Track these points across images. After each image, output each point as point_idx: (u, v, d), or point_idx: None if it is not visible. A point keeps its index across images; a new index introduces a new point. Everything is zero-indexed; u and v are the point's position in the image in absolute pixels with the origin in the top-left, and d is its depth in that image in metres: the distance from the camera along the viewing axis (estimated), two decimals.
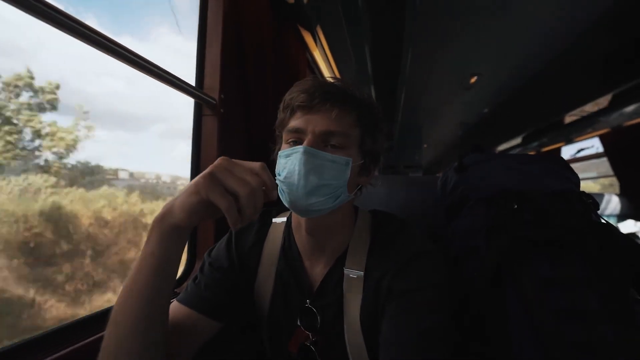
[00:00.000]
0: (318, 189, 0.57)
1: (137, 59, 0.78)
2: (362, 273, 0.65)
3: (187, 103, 1.08)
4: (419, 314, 0.57)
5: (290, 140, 0.62)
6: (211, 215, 0.49)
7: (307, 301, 0.69)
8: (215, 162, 0.47)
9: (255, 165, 0.49)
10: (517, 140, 5.62)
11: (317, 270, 0.71)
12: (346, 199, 0.62)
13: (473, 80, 2.90)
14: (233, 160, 0.48)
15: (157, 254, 0.47)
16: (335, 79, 0.67)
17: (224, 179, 0.45)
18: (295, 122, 0.61)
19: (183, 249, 0.52)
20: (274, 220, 0.77)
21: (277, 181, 0.60)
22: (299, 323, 0.69)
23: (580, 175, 0.83)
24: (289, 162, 0.59)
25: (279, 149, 0.65)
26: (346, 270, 0.66)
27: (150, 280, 0.48)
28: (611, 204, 3.49)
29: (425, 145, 7.17)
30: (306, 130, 0.60)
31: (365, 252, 0.67)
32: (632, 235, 3.11)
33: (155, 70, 0.84)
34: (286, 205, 0.60)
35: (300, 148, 0.57)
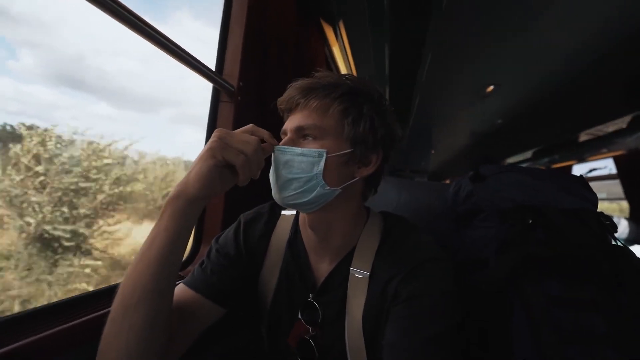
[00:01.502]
0: (288, 183, 0.60)
1: (161, 38, 0.77)
2: (367, 274, 0.65)
3: (201, 89, 1.07)
4: (425, 320, 0.56)
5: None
6: (224, 183, 0.54)
7: (310, 295, 0.69)
8: (216, 133, 0.53)
9: (247, 127, 0.58)
10: (527, 155, 5.55)
11: (323, 266, 0.71)
12: (330, 192, 0.61)
13: (489, 89, 2.86)
14: (228, 130, 0.54)
15: (171, 229, 0.50)
16: (331, 74, 0.67)
17: (230, 142, 0.52)
18: (283, 127, 0.66)
19: (195, 222, 0.55)
20: (283, 212, 0.77)
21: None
22: (300, 316, 0.69)
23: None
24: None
25: None
26: (352, 270, 0.66)
27: (161, 254, 0.50)
28: (620, 228, 3.44)
29: (433, 151, 7.12)
30: (287, 130, 0.64)
31: (373, 253, 0.67)
32: None
33: (178, 51, 0.83)
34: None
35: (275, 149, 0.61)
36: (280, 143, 0.62)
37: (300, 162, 0.59)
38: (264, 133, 0.58)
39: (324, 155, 0.60)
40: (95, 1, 0.61)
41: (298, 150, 0.60)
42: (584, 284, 0.63)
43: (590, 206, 0.77)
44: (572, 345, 0.58)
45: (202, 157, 0.51)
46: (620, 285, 0.62)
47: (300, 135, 0.62)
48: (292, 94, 0.63)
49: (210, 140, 0.52)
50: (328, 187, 0.60)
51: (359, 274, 0.65)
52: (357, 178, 0.65)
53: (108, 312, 0.50)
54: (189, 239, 0.54)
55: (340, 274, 0.68)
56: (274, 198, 0.63)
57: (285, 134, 0.64)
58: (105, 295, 0.74)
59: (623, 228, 3.44)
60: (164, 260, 0.50)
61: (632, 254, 0.66)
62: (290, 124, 0.63)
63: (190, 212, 0.52)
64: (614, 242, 0.71)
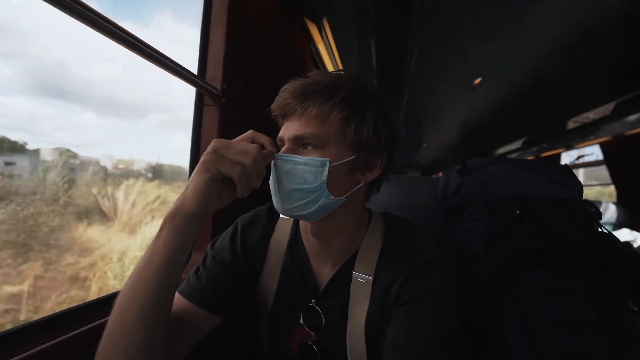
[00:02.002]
0: (291, 194, 0.57)
1: (140, 45, 0.76)
2: (371, 278, 0.63)
3: (187, 92, 1.06)
4: (427, 321, 0.56)
5: (280, 149, 0.62)
6: (223, 197, 0.52)
7: (312, 301, 0.68)
8: (212, 143, 0.50)
9: (247, 133, 0.55)
10: (517, 145, 5.62)
11: (324, 271, 0.69)
12: (334, 202, 0.59)
13: (477, 81, 2.88)
14: (226, 140, 0.52)
15: (169, 246, 0.49)
16: (327, 73, 0.64)
17: (226, 153, 0.49)
18: (279, 133, 0.62)
19: (194, 239, 0.53)
20: (281, 215, 0.76)
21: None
22: (302, 322, 0.69)
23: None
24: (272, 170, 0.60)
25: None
26: (355, 274, 0.65)
27: (160, 271, 0.49)
28: (608, 212, 3.51)
29: (424, 145, 7.16)
30: (284, 138, 0.60)
31: (376, 257, 0.65)
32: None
33: (158, 57, 0.82)
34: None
35: (275, 156, 0.58)
36: (280, 152, 0.59)
37: (303, 172, 0.57)
38: (265, 139, 0.55)
39: (327, 164, 0.57)
40: (69, 9, 0.60)
41: (300, 159, 0.57)
42: (572, 274, 0.64)
43: (575, 195, 0.78)
44: (564, 332, 0.59)
45: (197, 172, 0.49)
46: (607, 273, 0.63)
47: (300, 144, 0.59)
48: (287, 99, 0.59)
49: (205, 152, 0.50)
50: (332, 197, 0.58)
51: (362, 278, 0.64)
52: (362, 184, 0.63)
53: (102, 324, 0.50)
54: (188, 255, 0.53)
55: (343, 278, 0.66)
56: (276, 208, 0.61)
57: (283, 142, 0.61)
58: (100, 307, 0.74)
59: (611, 212, 3.51)
60: (163, 277, 0.49)
61: (617, 240, 0.67)
62: (288, 131, 0.59)
63: (189, 228, 0.50)
64: (601, 230, 0.72)
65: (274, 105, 0.62)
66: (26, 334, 0.60)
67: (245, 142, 0.52)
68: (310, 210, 0.58)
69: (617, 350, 0.57)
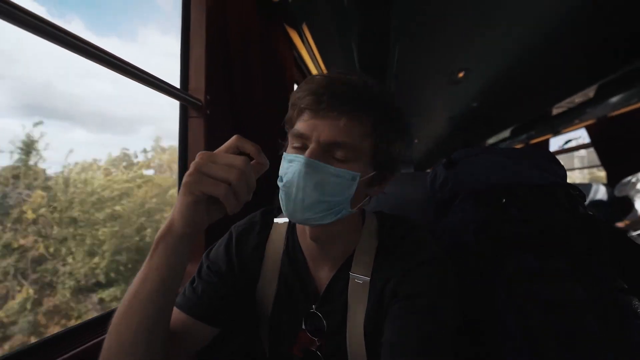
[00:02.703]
0: (316, 205, 0.55)
1: (119, 63, 0.76)
2: (367, 279, 0.63)
3: (175, 102, 1.05)
4: (422, 318, 0.56)
5: (295, 144, 0.58)
6: (212, 215, 0.49)
7: (313, 306, 0.68)
8: (196, 159, 0.46)
9: (231, 141, 0.49)
10: (506, 134, 5.68)
11: (322, 274, 0.69)
12: (348, 213, 0.59)
13: (461, 75, 2.92)
14: (211, 152, 0.47)
15: (163, 267, 0.48)
16: (349, 73, 0.60)
17: (209, 170, 0.45)
18: (300, 126, 0.57)
19: (187, 260, 0.51)
20: (275, 220, 0.75)
21: (278, 183, 0.59)
22: (304, 327, 0.68)
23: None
24: (290, 169, 0.55)
25: (286, 147, 0.62)
26: (352, 275, 0.65)
27: (155, 293, 0.48)
28: (599, 194, 3.56)
29: (416, 141, 7.20)
30: (311, 137, 0.55)
31: (372, 257, 0.65)
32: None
33: (138, 73, 0.82)
34: (284, 212, 0.59)
35: (301, 158, 0.54)
36: (307, 153, 0.54)
37: (334, 184, 0.54)
38: (251, 149, 0.50)
39: (357, 179, 0.56)
40: (48, 35, 0.60)
41: (333, 169, 0.54)
42: (559, 256, 0.65)
43: (559, 179, 0.79)
44: (554, 313, 0.60)
45: (181, 194, 0.47)
46: (592, 253, 0.64)
47: (330, 151, 0.55)
48: (325, 97, 0.54)
49: (187, 172, 0.46)
50: (350, 209, 0.58)
51: (359, 279, 0.64)
52: (369, 197, 0.63)
53: (99, 343, 0.49)
54: (182, 274, 0.51)
55: (341, 281, 0.66)
56: (288, 214, 0.57)
57: (307, 139, 0.56)
58: (96, 326, 0.73)
59: (602, 194, 3.56)
60: (158, 298, 0.48)
61: (599, 221, 0.68)
62: (321, 134, 0.55)
63: (181, 248, 0.49)
64: (587, 212, 0.73)
65: (301, 95, 0.57)
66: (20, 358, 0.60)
67: (230, 155, 0.47)
68: (327, 221, 0.57)
69: (607, 328, 0.58)
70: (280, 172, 0.59)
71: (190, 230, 0.48)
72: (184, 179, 0.46)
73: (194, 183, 0.45)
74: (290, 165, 0.56)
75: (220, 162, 0.46)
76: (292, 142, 0.59)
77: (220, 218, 0.51)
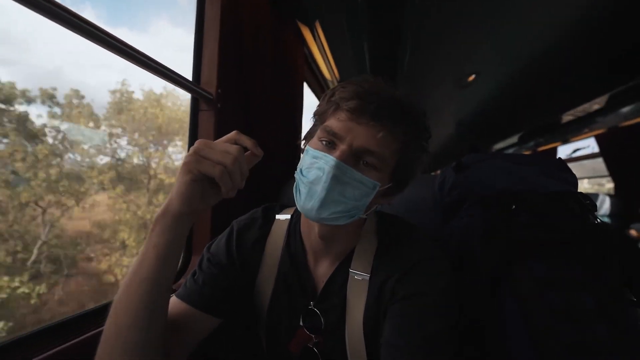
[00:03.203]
0: (336, 206, 0.56)
1: (134, 53, 0.76)
2: (367, 276, 0.64)
3: (187, 93, 1.06)
4: (422, 318, 0.56)
5: (323, 139, 0.58)
6: (207, 197, 0.52)
7: (311, 303, 0.68)
8: (195, 145, 0.50)
9: (231, 134, 0.53)
10: (514, 140, 5.63)
11: (321, 271, 0.70)
12: (360, 216, 0.61)
13: (471, 78, 2.90)
14: (208, 140, 0.51)
15: (160, 245, 0.50)
16: (392, 85, 0.61)
17: (207, 154, 0.49)
18: (335, 124, 0.57)
19: (185, 239, 0.54)
20: (277, 216, 0.76)
21: (296, 176, 0.60)
22: (301, 324, 0.69)
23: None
24: (316, 166, 0.56)
25: (308, 139, 0.63)
26: (351, 272, 0.65)
27: (152, 271, 0.49)
28: (605, 204, 3.52)
29: None
30: (345, 138, 0.56)
31: (372, 254, 0.66)
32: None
33: (152, 64, 0.82)
34: (298, 207, 0.60)
35: (332, 160, 0.54)
36: (337, 155, 0.55)
37: (355, 188, 0.56)
38: (248, 142, 0.54)
39: (377, 188, 0.57)
40: (62, 20, 0.60)
41: (359, 176, 0.56)
42: (569, 264, 0.64)
43: (570, 188, 0.78)
44: (563, 323, 0.59)
45: (180, 173, 0.50)
46: (603, 262, 0.63)
47: (359, 155, 0.56)
48: (367, 100, 0.55)
49: (186, 154, 0.50)
50: (363, 215, 0.60)
51: (358, 276, 0.65)
52: (376, 207, 0.65)
53: (99, 333, 0.49)
54: (179, 255, 0.53)
55: (340, 278, 0.67)
56: (303, 209, 0.59)
57: (336, 137, 0.57)
58: (97, 315, 0.73)
59: (608, 205, 3.53)
60: (156, 277, 0.49)
61: (611, 229, 0.67)
62: (356, 138, 0.55)
63: (178, 227, 0.51)
64: (598, 221, 0.73)
65: (346, 96, 0.57)
66: (21, 346, 0.60)
67: (227, 143, 0.52)
68: (340, 223, 0.58)
69: (618, 340, 0.57)
70: (302, 166, 0.60)
71: (187, 209, 0.50)
72: (184, 160, 0.50)
73: (193, 162, 0.49)
74: (316, 161, 0.57)
75: (217, 148, 0.50)
76: (320, 136, 0.59)
77: (224, 214, 0.52)
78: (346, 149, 0.55)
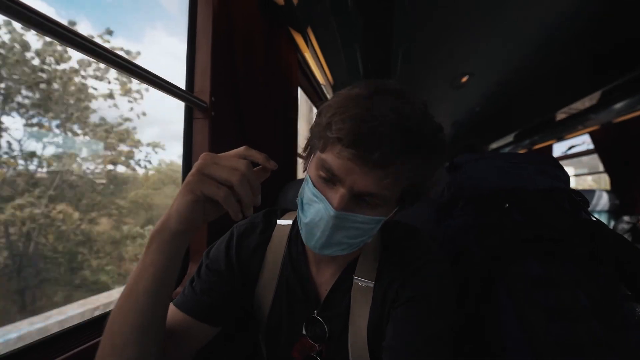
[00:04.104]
0: (339, 244, 0.56)
1: (127, 64, 0.77)
2: (372, 283, 0.63)
3: (181, 104, 1.06)
4: (423, 320, 0.56)
5: (321, 174, 0.54)
6: (209, 215, 0.49)
7: (315, 312, 0.67)
8: (199, 160, 0.47)
9: (239, 149, 0.49)
10: (509, 139, 5.66)
11: (325, 278, 0.68)
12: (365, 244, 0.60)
13: (464, 79, 2.92)
14: (214, 154, 0.47)
15: (157, 263, 0.48)
16: (404, 99, 0.52)
17: (212, 172, 0.45)
18: (333, 162, 0.51)
19: (182, 255, 0.52)
20: (278, 221, 0.74)
21: (298, 202, 0.59)
22: (304, 332, 0.67)
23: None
24: (314, 208, 0.54)
25: (307, 160, 0.60)
26: (355, 279, 0.64)
27: (149, 289, 0.48)
28: (602, 200, 3.53)
29: None
30: (345, 181, 0.51)
31: (376, 261, 0.65)
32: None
33: (144, 74, 0.83)
34: (303, 240, 0.60)
35: (331, 210, 0.51)
36: (336, 204, 0.51)
37: (359, 228, 0.54)
38: (258, 157, 0.49)
39: (382, 221, 0.56)
40: (54, 34, 0.60)
41: (361, 218, 0.53)
42: (563, 262, 0.65)
43: (562, 185, 0.79)
44: (557, 321, 0.60)
45: (181, 192, 0.47)
46: (596, 258, 0.64)
47: (361, 196, 0.52)
48: (372, 147, 0.47)
49: (190, 172, 0.47)
50: (368, 240, 0.59)
51: (362, 283, 0.63)
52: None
53: (96, 344, 0.49)
54: (177, 271, 0.51)
55: (344, 285, 0.66)
56: (308, 245, 0.58)
57: (335, 177, 0.52)
58: (94, 326, 0.73)
59: (605, 200, 3.54)
60: (152, 295, 0.48)
61: (603, 226, 0.68)
62: (354, 181, 0.50)
63: (175, 245, 0.49)
64: (590, 218, 0.73)
65: (342, 127, 0.49)
66: (18, 357, 0.59)
67: (233, 158, 0.47)
68: (347, 252, 0.58)
69: (612, 337, 0.57)
70: (302, 195, 0.58)
71: (185, 227, 0.48)
72: (187, 179, 0.47)
73: (196, 183, 0.45)
74: (315, 201, 0.54)
75: (222, 164, 0.46)
76: (317, 168, 0.55)
77: (224, 219, 0.51)
78: (346, 193, 0.51)
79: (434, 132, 0.54)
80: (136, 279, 0.48)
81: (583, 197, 0.74)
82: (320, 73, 2.26)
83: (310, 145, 0.61)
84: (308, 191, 0.56)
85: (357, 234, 0.55)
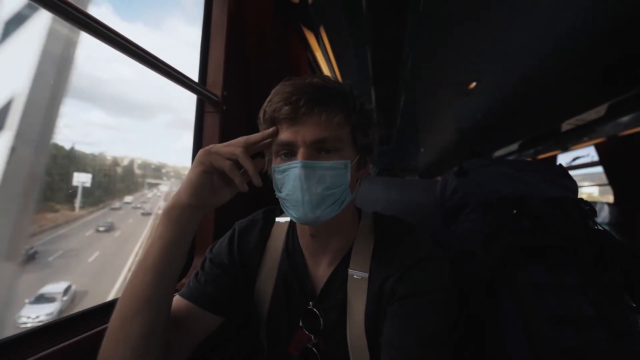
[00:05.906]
0: (324, 200, 0.58)
1: (142, 53, 0.77)
2: (366, 275, 0.64)
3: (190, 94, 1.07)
4: (422, 317, 0.57)
5: (281, 152, 0.60)
6: (217, 193, 0.58)
7: (310, 303, 0.69)
8: (205, 147, 0.56)
9: (238, 139, 0.59)
10: (514, 147, 5.66)
11: (321, 271, 0.70)
12: (350, 198, 0.62)
13: (472, 86, 2.92)
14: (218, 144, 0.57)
15: (166, 237, 0.52)
16: (308, 77, 0.64)
17: (218, 151, 0.55)
18: (284, 135, 0.59)
19: (192, 234, 0.56)
20: (277, 219, 0.77)
21: (277, 195, 0.62)
22: (301, 324, 0.69)
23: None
24: (287, 179, 0.58)
25: (270, 160, 0.64)
26: (350, 271, 0.66)
27: (157, 262, 0.51)
28: (604, 212, 3.53)
29: (422, 149, 7.19)
30: (296, 141, 0.58)
31: (370, 253, 0.66)
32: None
33: (159, 64, 0.83)
34: (294, 220, 0.62)
35: (296, 163, 0.57)
36: (299, 157, 0.57)
37: (332, 176, 0.58)
38: (256, 136, 0.59)
39: (349, 165, 0.60)
40: (71, 18, 0.61)
41: (327, 163, 0.58)
42: (568, 270, 0.65)
43: (570, 194, 0.79)
44: (562, 328, 0.60)
45: (192, 166, 0.55)
46: (602, 268, 0.64)
47: (318, 149, 0.58)
48: (296, 101, 0.57)
49: (199, 152, 0.56)
50: (351, 195, 0.62)
51: (357, 275, 0.65)
52: (359, 180, 0.66)
53: (104, 330, 0.50)
54: (186, 248, 0.55)
55: (339, 277, 0.67)
56: (301, 217, 0.59)
57: (291, 146, 0.59)
58: (103, 312, 0.74)
59: (607, 213, 3.54)
60: (160, 268, 0.51)
61: (611, 236, 0.68)
62: (305, 136, 0.57)
63: (185, 219, 0.54)
64: (598, 228, 0.73)
65: (275, 109, 0.59)
66: (26, 341, 0.60)
67: (234, 143, 0.57)
68: (336, 213, 0.60)
69: (616, 345, 0.58)
70: (277, 185, 0.62)
71: (195, 201, 0.54)
72: (196, 156, 0.55)
73: (205, 156, 0.54)
74: (286, 174, 0.59)
75: (226, 146, 0.56)
76: (277, 151, 0.61)
77: (226, 217, 0.54)
78: (304, 149, 0.57)
79: (342, 86, 0.63)
80: (146, 253, 0.52)
81: (591, 207, 0.75)
82: (329, 73, 2.26)
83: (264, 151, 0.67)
84: (278, 174, 0.61)
85: (333, 182, 0.58)
